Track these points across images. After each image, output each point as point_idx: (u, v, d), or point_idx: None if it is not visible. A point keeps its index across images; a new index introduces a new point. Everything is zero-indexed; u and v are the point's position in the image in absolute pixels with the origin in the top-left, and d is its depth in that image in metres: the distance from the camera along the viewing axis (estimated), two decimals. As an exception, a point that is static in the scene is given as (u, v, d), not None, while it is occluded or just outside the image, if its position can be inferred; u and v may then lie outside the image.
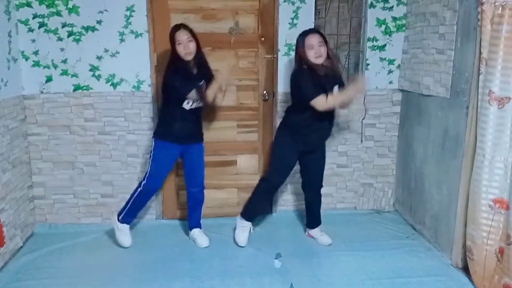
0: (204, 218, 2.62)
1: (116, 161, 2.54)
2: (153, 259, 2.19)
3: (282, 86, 2.54)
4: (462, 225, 2.05)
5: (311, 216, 2.38)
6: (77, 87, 2.44)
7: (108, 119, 2.49)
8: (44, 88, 2.42)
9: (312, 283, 1.98)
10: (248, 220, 2.33)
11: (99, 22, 2.37)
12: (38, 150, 2.48)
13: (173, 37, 2.06)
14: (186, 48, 2.04)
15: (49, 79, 2.41)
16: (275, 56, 2.54)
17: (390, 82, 2.67)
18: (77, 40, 2.38)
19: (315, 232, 2.38)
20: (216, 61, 2.53)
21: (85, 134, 2.49)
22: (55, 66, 2.40)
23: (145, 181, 2.20)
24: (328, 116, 2.12)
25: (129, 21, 2.39)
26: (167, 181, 2.58)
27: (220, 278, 2.01)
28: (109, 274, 2.05)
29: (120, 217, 2.25)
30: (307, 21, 2.50)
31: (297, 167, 2.31)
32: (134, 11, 2.38)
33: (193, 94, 2.06)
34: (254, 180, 2.69)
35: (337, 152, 2.71)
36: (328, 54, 2.07)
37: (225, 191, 2.70)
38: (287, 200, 2.72)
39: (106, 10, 2.36)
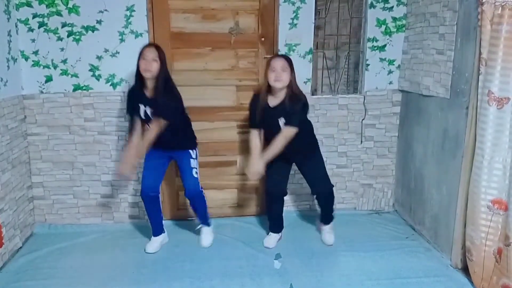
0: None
1: (116, 161, 2.54)
2: (153, 259, 2.19)
3: (282, 86, 2.55)
4: (462, 226, 2.05)
5: (323, 214, 2.38)
6: (77, 87, 2.44)
7: (108, 119, 2.48)
8: (43, 88, 2.42)
9: (312, 283, 1.98)
10: (271, 230, 2.37)
11: (99, 22, 2.37)
12: (37, 150, 2.47)
13: (140, 51, 2.04)
14: (148, 65, 1.99)
15: (49, 79, 2.41)
16: (274, 57, 2.54)
17: (390, 83, 2.67)
18: (77, 40, 2.38)
19: (324, 227, 2.38)
20: (216, 61, 2.54)
21: (85, 134, 2.49)
22: (55, 66, 2.40)
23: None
24: (290, 142, 2.06)
25: (129, 21, 2.39)
26: (167, 182, 2.58)
27: (220, 278, 2.01)
28: (109, 274, 2.05)
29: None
30: (307, 21, 2.50)
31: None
32: (134, 11, 2.38)
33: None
34: (254, 180, 2.70)
35: (336, 153, 2.71)
36: (290, 83, 2.04)
37: (225, 191, 2.70)
38: (287, 200, 2.71)
39: (106, 10, 2.36)
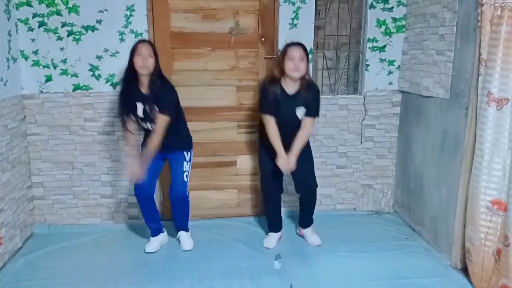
0: (203, 219, 2.63)
1: (116, 161, 2.54)
2: (153, 259, 2.19)
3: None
4: (461, 226, 2.05)
5: (304, 216, 2.37)
6: (76, 87, 2.44)
7: (108, 119, 2.48)
8: (43, 88, 2.41)
9: (312, 284, 1.98)
10: (270, 230, 2.37)
11: (99, 21, 2.37)
12: (37, 150, 2.47)
13: (134, 48, 2.01)
14: (144, 61, 1.98)
15: (48, 78, 2.41)
16: (275, 56, 2.53)
17: (390, 83, 2.67)
18: (77, 40, 2.37)
19: (306, 231, 2.38)
20: (216, 61, 2.54)
21: (85, 134, 2.48)
22: (55, 66, 2.39)
23: None
24: (292, 135, 2.09)
25: (129, 20, 2.38)
26: (167, 183, 2.57)
27: (219, 279, 2.01)
28: (109, 274, 2.05)
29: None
30: (307, 22, 2.50)
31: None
32: (134, 10, 2.38)
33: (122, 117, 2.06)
34: (254, 181, 2.70)
35: (336, 153, 2.71)
36: (306, 73, 2.05)
37: (224, 192, 2.70)
38: (287, 201, 2.71)
39: (106, 10, 2.36)
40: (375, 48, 2.62)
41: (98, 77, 2.43)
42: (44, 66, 2.38)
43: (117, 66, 2.41)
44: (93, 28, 2.37)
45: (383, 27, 2.59)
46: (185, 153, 2.20)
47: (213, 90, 2.56)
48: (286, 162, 2.08)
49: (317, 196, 2.39)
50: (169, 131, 2.09)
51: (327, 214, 2.71)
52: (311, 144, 2.29)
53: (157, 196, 2.44)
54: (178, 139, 2.18)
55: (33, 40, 2.35)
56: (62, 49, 2.38)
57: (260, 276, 2.03)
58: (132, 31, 2.40)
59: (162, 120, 2.03)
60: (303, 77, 2.07)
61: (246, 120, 2.63)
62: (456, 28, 2.07)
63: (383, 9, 2.57)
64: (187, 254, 2.25)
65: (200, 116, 2.52)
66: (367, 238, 2.41)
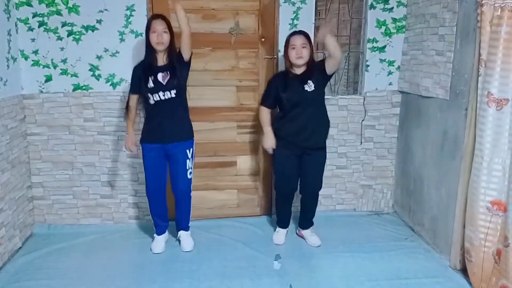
0: (203, 219, 2.63)
1: (116, 161, 2.54)
2: (152, 260, 2.19)
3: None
4: (461, 227, 2.05)
5: (305, 217, 2.38)
6: (76, 87, 2.44)
7: (108, 119, 2.48)
8: (43, 88, 2.41)
9: (311, 284, 1.98)
10: (279, 226, 2.40)
11: (99, 21, 2.37)
12: (37, 150, 2.47)
13: (149, 25, 2.06)
14: (159, 37, 2.02)
15: (48, 78, 2.40)
16: (275, 57, 2.54)
17: (390, 84, 2.68)
18: (77, 40, 2.37)
19: (306, 232, 2.38)
20: (216, 61, 2.54)
21: (85, 134, 2.48)
22: (55, 66, 2.39)
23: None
24: (308, 117, 2.13)
25: (129, 20, 2.39)
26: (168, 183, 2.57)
27: (219, 279, 2.01)
28: (108, 275, 2.05)
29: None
30: (307, 22, 2.50)
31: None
32: (134, 10, 2.38)
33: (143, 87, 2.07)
34: (254, 181, 2.70)
35: (336, 154, 2.71)
36: (310, 58, 2.12)
37: (225, 192, 2.70)
38: (287, 201, 2.72)
39: (106, 10, 2.36)
40: (375, 49, 2.62)
41: (98, 77, 2.43)
42: (44, 66, 2.38)
43: (117, 66, 2.41)
44: (93, 28, 2.37)
45: (383, 28, 2.59)
46: (187, 150, 2.19)
47: (213, 90, 2.56)
48: (267, 140, 2.19)
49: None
50: (176, 112, 2.12)
51: (327, 214, 2.71)
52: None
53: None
54: (182, 128, 2.17)
55: (33, 40, 2.35)
56: (62, 49, 2.38)
57: (260, 276, 2.03)
58: (132, 31, 2.40)
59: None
60: (308, 63, 2.12)
61: (246, 121, 2.63)
62: (456, 28, 2.07)
63: (383, 9, 2.57)
64: (187, 254, 2.25)
65: (200, 116, 2.52)
66: (366, 239, 2.41)
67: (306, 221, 2.38)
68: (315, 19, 2.53)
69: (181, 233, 2.31)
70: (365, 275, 2.04)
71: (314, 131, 2.17)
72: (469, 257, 1.96)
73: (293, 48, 2.08)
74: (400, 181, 2.73)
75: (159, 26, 2.03)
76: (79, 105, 2.45)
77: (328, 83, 2.75)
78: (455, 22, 2.07)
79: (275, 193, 2.40)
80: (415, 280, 2.01)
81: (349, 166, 2.74)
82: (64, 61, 2.39)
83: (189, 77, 2.54)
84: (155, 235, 2.29)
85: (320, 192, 2.36)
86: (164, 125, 2.11)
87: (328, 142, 2.68)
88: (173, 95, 2.09)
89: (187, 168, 2.19)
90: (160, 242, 2.27)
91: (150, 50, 2.08)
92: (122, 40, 2.40)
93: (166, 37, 2.04)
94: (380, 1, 2.56)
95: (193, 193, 2.29)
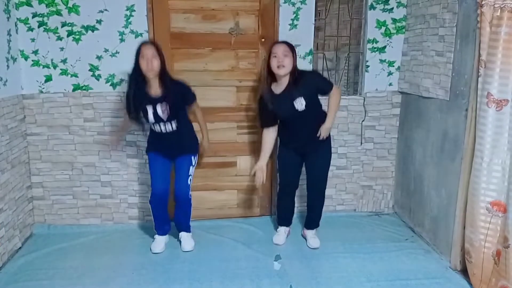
0: (203, 219, 2.63)
1: (116, 161, 2.54)
2: (152, 260, 2.19)
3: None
4: (461, 228, 2.05)
5: (310, 216, 2.38)
6: (76, 87, 2.43)
7: (108, 120, 2.48)
8: (43, 88, 2.41)
9: (311, 285, 1.98)
10: (280, 224, 2.39)
11: (99, 21, 2.36)
12: (37, 150, 2.47)
13: (138, 51, 2.00)
14: (149, 64, 1.96)
15: (48, 78, 2.40)
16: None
17: (390, 84, 2.68)
18: (77, 40, 2.37)
19: (309, 233, 2.38)
20: (216, 62, 2.53)
21: (85, 134, 2.48)
22: (55, 66, 2.39)
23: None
24: (305, 128, 2.11)
25: (129, 21, 2.38)
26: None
27: (219, 280, 2.01)
28: (108, 275, 2.04)
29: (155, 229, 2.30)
30: (307, 22, 2.50)
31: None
32: (134, 11, 2.38)
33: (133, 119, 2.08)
34: (254, 182, 2.69)
35: (336, 154, 2.71)
36: (294, 70, 2.01)
37: (225, 192, 2.70)
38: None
39: (106, 10, 2.36)
40: (375, 49, 2.62)
41: (98, 77, 2.43)
42: (44, 66, 2.38)
43: (117, 66, 2.41)
44: (93, 28, 2.37)
45: (383, 28, 2.59)
46: (192, 157, 2.22)
47: (213, 90, 2.56)
48: (261, 172, 2.16)
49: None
50: (181, 130, 2.12)
51: (327, 215, 2.70)
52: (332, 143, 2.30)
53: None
54: (189, 139, 2.21)
55: (33, 40, 2.34)
56: (62, 49, 2.37)
57: (260, 277, 2.03)
58: (132, 31, 2.40)
59: (198, 108, 2.19)
60: (292, 73, 2.02)
61: (246, 121, 2.63)
62: (456, 29, 2.07)
63: (383, 10, 2.57)
64: (187, 254, 2.25)
65: (200, 117, 2.52)
66: (366, 239, 2.41)
67: (310, 221, 2.38)
68: (315, 20, 2.53)
69: (182, 234, 2.32)
70: (365, 276, 2.04)
71: (312, 137, 2.14)
72: (469, 258, 1.96)
73: (274, 56, 1.97)
74: (400, 182, 2.73)
75: (148, 52, 1.97)
76: (79, 105, 2.45)
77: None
78: (455, 23, 2.07)
79: (279, 190, 2.39)
80: (415, 280, 2.01)
81: (349, 166, 2.74)
82: (64, 61, 2.39)
83: (189, 78, 2.55)
84: (156, 236, 2.29)
85: (324, 193, 2.35)
86: (169, 147, 2.16)
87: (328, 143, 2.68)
88: (175, 127, 2.11)
89: (189, 174, 2.21)
90: (160, 242, 2.27)
91: (141, 77, 2.01)
92: (122, 40, 2.40)
93: (156, 64, 1.98)
94: (380, 2, 2.56)
95: (193, 194, 2.29)
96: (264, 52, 2.54)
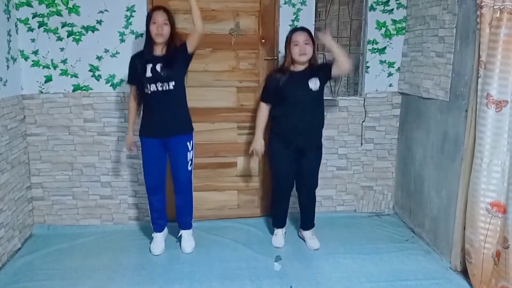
0: (203, 220, 2.62)
1: (116, 162, 2.53)
2: (152, 261, 2.19)
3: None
4: (461, 228, 2.05)
5: (304, 217, 2.38)
6: (76, 87, 2.43)
7: (108, 120, 2.48)
8: (43, 88, 2.41)
9: (312, 286, 1.98)
10: (276, 226, 2.38)
11: (99, 22, 2.37)
12: (37, 151, 2.47)
13: (149, 16, 2.03)
14: (159, 29, 1.99)
15: (48, 79, 2.40)
16: (275, 58, 2.54)
17: (390, 85, 2.68)
18: (77, 40, 2.37)
19: (306, 234, 2.38)
20: (217, 62, 2.54)
21: (85, 134, 2.48)
22: (55, 66, 2.39)
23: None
24: (308, 115, 2.13)
25: (129, 21, 2.39)
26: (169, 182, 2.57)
27: (219, 280, 2.01)
28: (108, 276, 2.04)
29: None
30: (307, 23, 2.50)
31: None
32: (134, 11, 2.38)
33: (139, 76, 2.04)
34: (254, 182, 2.70)
35: (337, 155, 2.71)
36: (313, 56, 2.11)
37: (225, 193, 2.70)
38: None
39: (106, 10, 2.36)
40: (375, 50, 2.62)
41: (98, 78, 2.43)
42: (44, 67, 2.38)
43: (117, 67, 2.41)
44: (93, 29, 2.37)
45: (383, 29, 2.60)
46: (187, 142, 2.16)
47: (213, 91, 2.56)
48: (259, 146, 2.21)
49: (317, 198, 2.40)
50: (174, 105, 2.08)
51: (327, 215, 2.71)
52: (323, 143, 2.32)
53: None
54: (184, 116, 2.15)
55: (33, 40, 2.34)
56: (62, 49, 2.37)
57: (260, 277, 2.03)
58: (132, 32, 2.40)
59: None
60: (310, 61, 2.11)
61: (246, 121, 2.63)
62: (456, 30, 2.08)
63: (383, 11, 2.58)
64: (187, 255, 2.25)
65: (200, 117, 2.52)
66: (367, 240, 2.41)
67: (306, 222, 2.38)
68: (315, 21, 2.54)
69: (183, 233, 2.29)
70: (366, 276, 2.04)
71: (313, 130, 2.18)
72: (469, 258, 1.96)
73: (296, 45, 2.07)
74: (401, 183, 2.73)
75: (160, 17, 2.01)
76: (79, 106, 2.45)
77: (329, 84, 2.77)
78: (455, 24, 2.08)
79: (273, 190, 2.39)
80: (416, 281, 2.01)
81: (350, 167, 2.74)
82: (64, 61, 2.39)
83: (189, 78, 2.55)
84: (153, 234, 2.27)
85: (321, 194, 2.36)
86: (163, 119, 2.08)
87: (329, 143, 2.70)
88: (171, 87, 2.05)
89: (188, 160, 2.17)
90: (159, 242, 2.26)
91: (149, 41, 2.06)
92: (122, 40, 2.40)
93: (166, 29, 2.02)
94: (380, 3, 2.56)
95: (193, 194, 2.29)
96: (265, 53, 2.55)
